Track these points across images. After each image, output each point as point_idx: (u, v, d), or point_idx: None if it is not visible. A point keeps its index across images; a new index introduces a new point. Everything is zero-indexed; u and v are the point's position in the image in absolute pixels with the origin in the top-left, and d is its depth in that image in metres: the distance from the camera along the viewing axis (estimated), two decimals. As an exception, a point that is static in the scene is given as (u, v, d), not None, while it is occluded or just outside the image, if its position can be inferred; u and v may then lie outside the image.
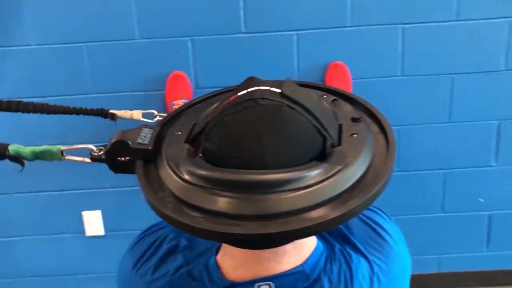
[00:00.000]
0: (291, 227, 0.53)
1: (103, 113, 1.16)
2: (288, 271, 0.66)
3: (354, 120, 0.65)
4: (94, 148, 0.71)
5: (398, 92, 1.80)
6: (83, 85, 1.75)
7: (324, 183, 0.56)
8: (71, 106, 1.13)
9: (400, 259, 0.73)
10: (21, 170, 0.76)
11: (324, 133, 0.60)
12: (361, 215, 0.75)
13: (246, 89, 0.62)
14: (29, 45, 1.71)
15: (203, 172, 0.57)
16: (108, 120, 1.16)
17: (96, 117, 1.18)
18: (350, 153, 0.59)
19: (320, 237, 0.73)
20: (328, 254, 0.70)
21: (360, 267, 0.69)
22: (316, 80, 1.78)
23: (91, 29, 1.70)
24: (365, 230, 0.73)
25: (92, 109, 1.16)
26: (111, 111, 1.16)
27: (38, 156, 0.74)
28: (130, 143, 0.66)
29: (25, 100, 1.15)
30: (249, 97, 0.60)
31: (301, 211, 0.55)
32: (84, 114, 1.15)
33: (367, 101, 0.74)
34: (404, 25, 1.73)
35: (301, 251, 0.67)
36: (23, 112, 1.12)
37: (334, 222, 0.55)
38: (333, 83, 1.75)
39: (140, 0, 1.68)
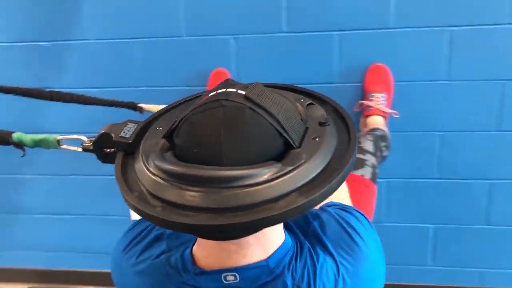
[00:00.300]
0: (236, 220, 0.57)
1: (132, 106, 1.25)
2: (252, 264, 0.69)
3: (321, 124, 0.68)
4: (85, 139, 0.79)
5: (443, 97, 1.74)
6: (134, 78, 1.87)
7: (273, 182, 0.59)
8: (119, 98, 1.23)
9: (370, 264, 0.74)
10: (23, 156, 0.86)
11: (285, 135, 0.63)
12: (338, 218, 0.77)
13: (218, 90, 0.66)
14: (88, 39, 1.86)
15: (164, 166, 0.62)
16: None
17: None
18: (305, 155, 0.62)
19: (292, 234, 0.76)
20: (295, 251, 0.72)
21: (326, 267, 0.71)
22: (356, 81, 1.76)
23: (143, 26, 1.81)
24: (338, 232, 0.75)
25: (123, 102, 1.25)
26: (139, 104, 1.25)
27: (37, 143, 0.82)
28: (113, 135, 0.73)
29: (82, 91, 1.26)
30: (216, 98, 0.64)
31: (249, 207, 0.58)
32: (116, 106, 1.25)
33: (341, 106, 0.75)
34: (452, 28, 1.67)
35: (265, 246, 0.70)
36: (63, 101, 1.24)
37: (276, 218, 0.58)
38: (373, 84, 1.73)
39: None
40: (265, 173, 0.59)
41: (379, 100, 1.70)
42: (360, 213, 0.81)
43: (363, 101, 1.73)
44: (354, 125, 0.71)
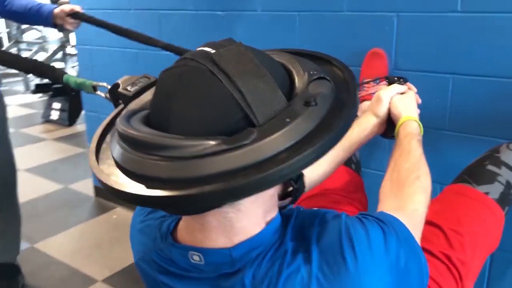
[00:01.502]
0: (141, 192, 0.53)
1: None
2: (214, 249, 0.64)
3: (306, 103, 0.56)
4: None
5: None
6: (292, 52, 1.85)
7: (198, 160, 0.52)
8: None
9: (354, 286, 0.60)
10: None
11: (246, 109, 0.54)
12: (343, 229, 0.63)
13: (199, 47, 0.61)
14: (255, 10, 1.91)
15: (118, 123, 0.61)
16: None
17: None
18: (256, 136, 0.53)
19: (280, 231, 0.66)
20: (267, 249, 0.63)
21: (294, 276, 0.60)
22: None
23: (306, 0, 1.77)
24: (333, 244, 0.62)
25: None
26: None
27: (78, 85, 0.88)
28: (121, 86, 0.73)
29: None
30: (185, 56, 0.60)
31: (166, 181, 0.53)
32: None
33: (355, 88, 0.61)
34: None
35: (229, 234, 0.63)
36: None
37: (175, 200, 0.52)
38: None
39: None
40: (194, 147, 0.52)
41: None
42: (382, 232, 0.65)
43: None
44: (351, 113, 0.58)
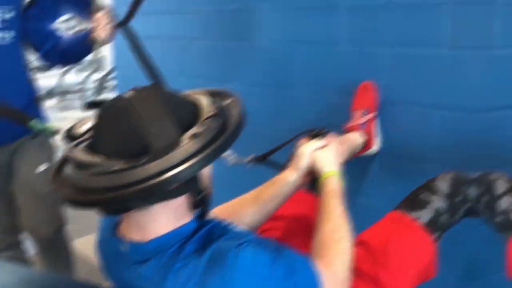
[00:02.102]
0: (70, 197, 0.76)
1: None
2: (134, 242, 0.83)
3: (191, 136, 0.74)
4: None
5: None
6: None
7: (108, 175, 0.72)
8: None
9: (226, 284, 0.76)
10: (33, 138, 1.10)
11: (147, 140, 0.73)
12: (239, 243, 0.79)
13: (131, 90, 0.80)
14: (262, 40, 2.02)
15: (66, 148, 0.82)
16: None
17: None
18: (144, 160, 0.71)
19: (186, 234, 0.83)
20: (170, 246, 0.80)
21: (183, 269, 0.78)
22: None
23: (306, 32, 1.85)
24: (225, 250, 0.78)
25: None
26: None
27: (41, 131, 1.03)
28: (73, 129, 0.90)
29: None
30: (116, 96, 0.81)
31: (88, 190, 0.73)
32: None
33: (239, 124, 0.80)
34: None
35: (143, 232, 0.82)
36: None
37: (80, 203, 0.75)
38: None
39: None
40: (105, 166, 0.72)
41: None
42: (272, 257, 0.79)
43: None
44: (221, 144, 0.75)
